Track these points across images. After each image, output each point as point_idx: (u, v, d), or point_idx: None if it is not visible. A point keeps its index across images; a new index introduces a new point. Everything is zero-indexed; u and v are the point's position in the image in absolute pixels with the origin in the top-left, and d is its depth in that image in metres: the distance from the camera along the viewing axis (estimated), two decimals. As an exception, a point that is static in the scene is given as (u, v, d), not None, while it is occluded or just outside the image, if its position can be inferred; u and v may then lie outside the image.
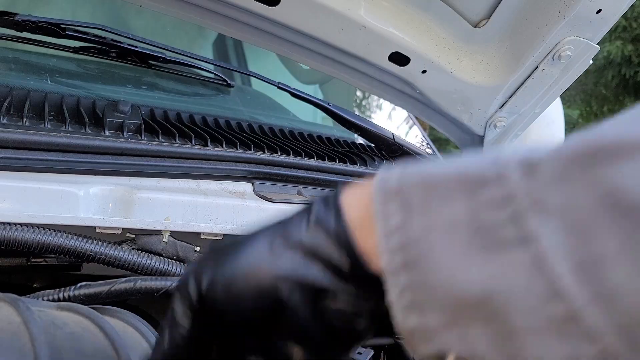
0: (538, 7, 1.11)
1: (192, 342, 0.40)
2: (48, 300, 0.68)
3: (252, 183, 1.01)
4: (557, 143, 0.32)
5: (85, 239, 0.75)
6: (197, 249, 0.83)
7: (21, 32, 1.14)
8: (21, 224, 0.72)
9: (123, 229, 0.81)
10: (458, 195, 0.32)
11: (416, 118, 1.96)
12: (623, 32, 8.83)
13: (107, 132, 0.97)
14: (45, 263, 0.81)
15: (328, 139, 1.34)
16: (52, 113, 0.99)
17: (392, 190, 0.34)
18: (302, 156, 1.11)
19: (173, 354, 0.41)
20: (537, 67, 1.18)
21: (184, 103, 1.36)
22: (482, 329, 0.30)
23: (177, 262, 0.82)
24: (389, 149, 1.30)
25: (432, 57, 1.22)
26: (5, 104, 0.95)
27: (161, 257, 0.81)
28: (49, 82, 1.20)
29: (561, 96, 1.37)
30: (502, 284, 0.29)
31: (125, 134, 0.98)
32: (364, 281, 0.35)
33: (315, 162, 1.10)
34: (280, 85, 1.28)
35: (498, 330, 0.30)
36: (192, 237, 0.85)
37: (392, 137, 1.29)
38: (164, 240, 0.82)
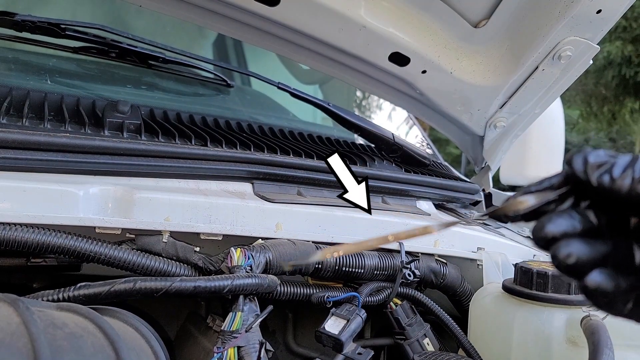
0: (538, 8, 1.11)
1: None
2: (48, 300, 0.68)
3: (252, 183, 1.01)
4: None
5: (84, 239, 0.75)
6: (197, 249, 0.83)
7: (21, 32, 1.14)
8: (21, 224, 0.72)
9: (123, 229, 0.81)
10: None
11: (416, 118, 1.95)
12: (623, 33, 8.82)
13: (106, 132, 0.97)
14: (44, 263, 0.80)
15: (328, 139, 1.34)
16: (52, 113, 0.99)
17: None
18: (301, 156, 1.11)
19: None
20: (537, 68, 1.18)
21: (184, 103, 1.36)
22: None
23: (177, 263, 0.82)
24: (389, 149, 1.30)
25: (432, 57, 1.22)
26: (5, 104, 0.95)
27: (161, 258, 0.80)
28: (49, 82, 1.20)
29: (561, 96, 1.36)
30: None
31: (124, 134, 0.98)
32: None
33: (315, 163, 1.09)
34: (280, 86, 1.28)
35: None
36: (191, 238, 0.85)
37: (392, 137, 1.29)
38: (164, 240, 0.82)
